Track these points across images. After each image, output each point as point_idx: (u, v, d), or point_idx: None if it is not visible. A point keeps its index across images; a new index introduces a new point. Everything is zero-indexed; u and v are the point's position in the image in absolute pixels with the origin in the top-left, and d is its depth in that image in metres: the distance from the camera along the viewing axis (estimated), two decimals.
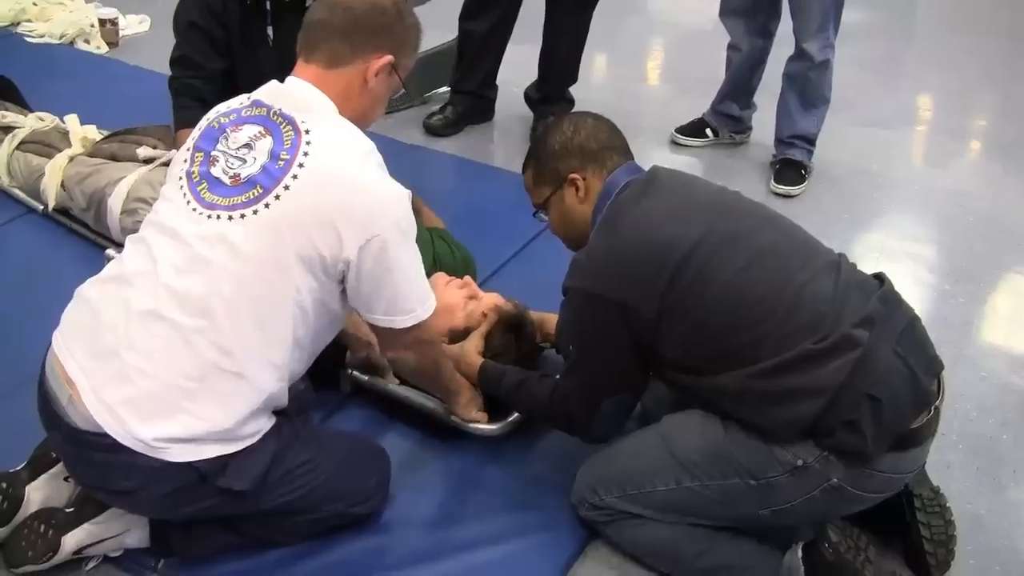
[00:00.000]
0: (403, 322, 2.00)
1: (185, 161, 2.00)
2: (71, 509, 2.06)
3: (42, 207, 3.21)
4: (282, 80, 3.13)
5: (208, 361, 1.84)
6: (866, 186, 3.94)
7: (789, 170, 3.84)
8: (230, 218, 1.87)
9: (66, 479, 2.13)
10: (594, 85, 4.64)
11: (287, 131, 1.93)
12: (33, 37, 4.70)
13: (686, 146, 4.12)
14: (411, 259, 1.99)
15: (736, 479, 1.98)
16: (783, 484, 1.94)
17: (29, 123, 3.39)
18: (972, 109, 4.83)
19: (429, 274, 2.60)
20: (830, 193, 3.85)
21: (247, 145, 1.94)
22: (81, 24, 4.75)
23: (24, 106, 3.60)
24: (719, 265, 1.95)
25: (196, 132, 2.05)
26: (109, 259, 2.37)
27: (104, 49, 4.71)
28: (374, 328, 2.06)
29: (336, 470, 2.12)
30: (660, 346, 2.01)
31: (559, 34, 3.99)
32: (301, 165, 1.88)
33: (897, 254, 3.51)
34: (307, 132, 1.92)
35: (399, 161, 3.57)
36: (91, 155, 3.19)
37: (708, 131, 4.14)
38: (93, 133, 3.36)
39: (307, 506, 2.08)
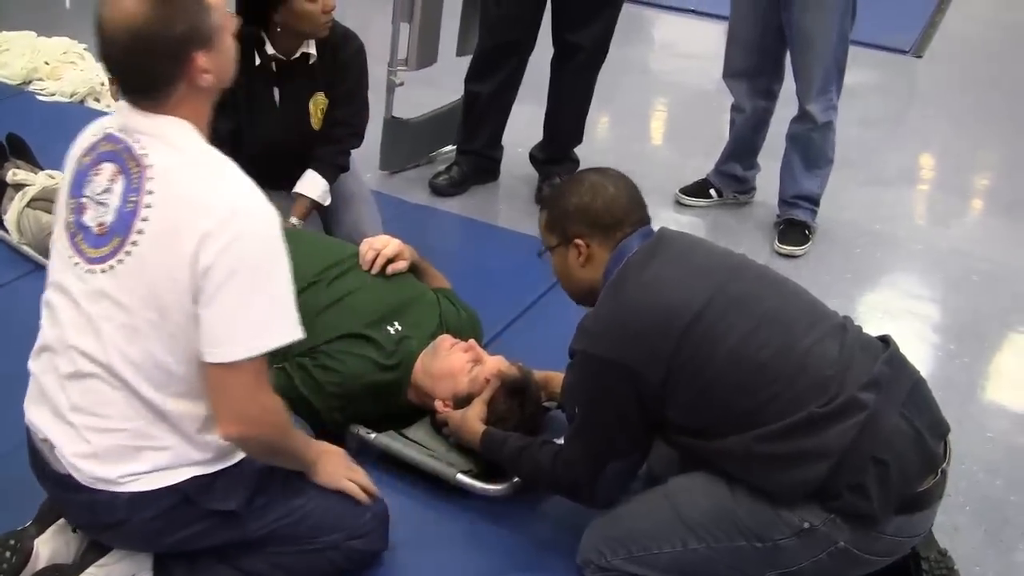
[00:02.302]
0: (231, 354, 1.79)
1: (66, 209, 1.93)
2: (74, 562, 2.07)
3: None
4: (289, 139, 3.16)
5: (140, 403, 1.86)
6: (870, 246, 3.95)
7: (793, 230, 3.85)
8: (103, 271, 1.83)
9: (74, 530, 2.13)
10: (598, 145, 4.67)
11: (133, 167, 1.82)
12: (44, 95, 4.75)
13: (690, 206, 4.15)
14: (256, 284, 1.79)
15: (743, 541, 1.97)
16: (790, 547, 1.94)
17: (39, 181, 3.41)
18: (976, 168, 4.86)
19: (435, 335, 2.62)
20: (834, 253, 3.86)
21: (107, 189, 1.84)
22: (91, 83, 4.79)
23: (35, 164, 3.63)
24: (725, 330, 1.96)
25: (68, 174, 1.93)
26: None
27: (114, 107, 4.75)
28: (210, 379, 1.84)
29: (330, 497, 2.12)
30: (666, 410, 2.01)
31: (564, 95, 4.02)
32: (148, 206, 1.79)
33: (901, 314, 3.51)
34: (149, 167, 1.80)
35: (404, 221, 3.63)
36: None
37: (712, 191, 4.16)
38: None
39: (303, 534, 2.07)
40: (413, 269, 2.83)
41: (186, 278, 1.76)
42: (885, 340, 2.08)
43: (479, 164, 4.21)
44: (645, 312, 2.01)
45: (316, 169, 3.20)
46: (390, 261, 2.74)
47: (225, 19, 1.84)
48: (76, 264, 1.87)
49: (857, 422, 1.87)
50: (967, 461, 2.71)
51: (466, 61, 4.08)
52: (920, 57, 6.26)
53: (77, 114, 4.61)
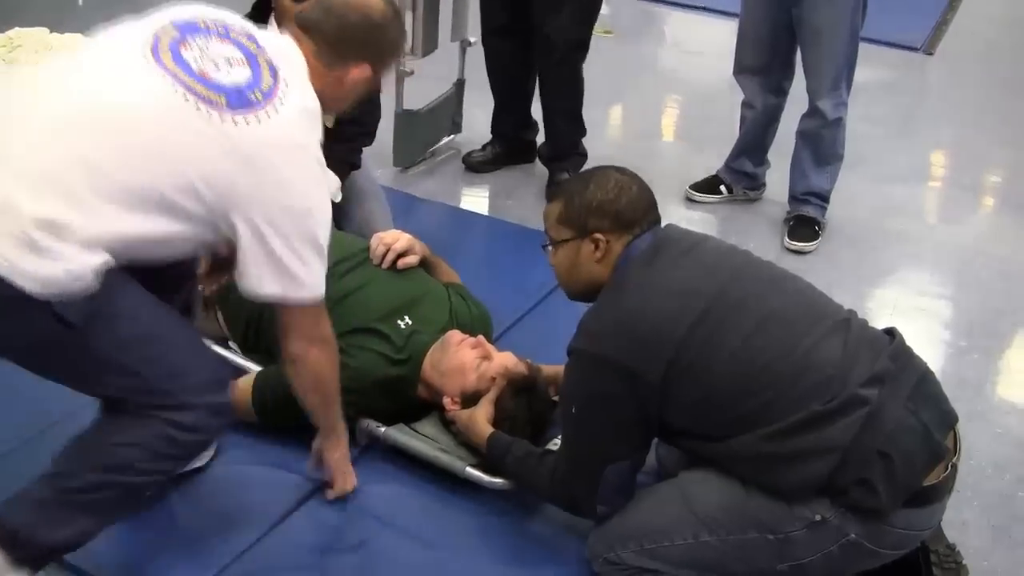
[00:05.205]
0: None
1: (153, 24, 1.95)
2: None
3: None
4: None
5: None
6: (879, 242, 3.95)
7: (803, 226, 3.86)
8: (175, 90, 1.84)
9: None
10: (609, 141, 4.68)
11: (266, 77, 1.93)
12: None
13: (700, 202, 4.15)
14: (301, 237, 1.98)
15: (755, 533, 1.98)
16: (801, 539, 1.94)
17: None
18: (987, 165, 4.85)
19: (445, 330, 2.63)
20: (844, 249, 3.86)
21: (227, 59, 1.92)
22: None
23: None
24: (725, 333, 1.97)
25: (174, 12, 1.99)
26: None
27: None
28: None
29: (178, 335, 2.03)
30: (668, 414, 2.02)
31: (552, 90, 4.00)
32: (268, 115, 1.89)
33: (911, 311, 3.51)
34: (283, 95, 1.93)
35: (415, 217, 3.64)
36: None
37: (722, 187, 4.17)
38: None
39: (142, 367, 1.93)
40: (424, 264, 2.84)
41: (212, 184, 1.87)
42: (891, 333, 2.09)
43: (512, 145, 4.27)
44: (645, 315, 2.01)
45: (328, 166, 3.19)
46: (401, 256, 2.75)
47: (391, 67, 2.24)
48: (144, 56, 1.87)
49: (859, 416, 1.88)
50: (976, 457, 2.72)
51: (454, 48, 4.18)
52: (931, 54, 6.24)
53: None
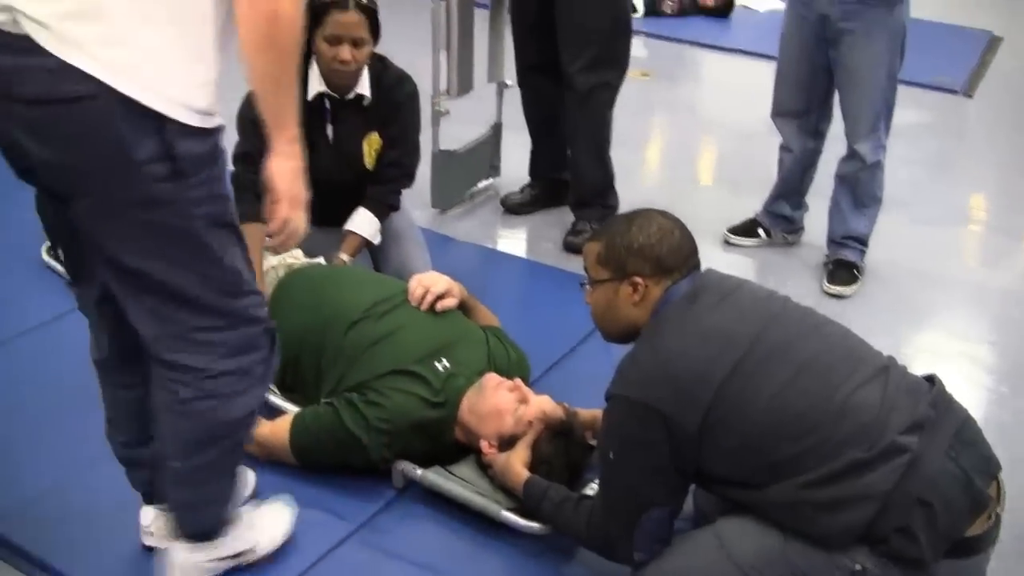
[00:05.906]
0: None
1: None
2: None
3: None
4: (342, 178, 3.19)
5: None
6: (919, 286, 3.92)
7: (842, 270, 3.84)
8: None
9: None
10: (646, 184, 4.69)
11: None
12: None
13: (739, 246, 4.14)
14: None
15: None
16: None
17: None
18: None
19: (482, 373, 2.64)
20: (883, 293, 3.84)
21: None
22: None
23: None
24: (763, 380, 1.97)
25: None
26: None
27: None
28: None
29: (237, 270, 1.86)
30: (705, 461, 2.01)
31: (575, 134, 3.98)
32: None
33: (951, 355, 3.48)
34: None
35: (452, 258, 3.65)
36: None
37: (760, 231, 4.16)
38: None
39: (223, 256, 1.79)
40: (462, 306, 2.85)
41: None
42: (931, 379, 2.07)
43: (549, 187, 4.28)
44: (683, 362, 2.01)
45: (368, 207, 3.23)
46: (439, 298, 2.76)
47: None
48: None
49: (899, 465, 1.87)
50: (1020, 504, 2.67)
51: (493, 91, 4.19)
52: (970, 97, 6.21)
53: None
